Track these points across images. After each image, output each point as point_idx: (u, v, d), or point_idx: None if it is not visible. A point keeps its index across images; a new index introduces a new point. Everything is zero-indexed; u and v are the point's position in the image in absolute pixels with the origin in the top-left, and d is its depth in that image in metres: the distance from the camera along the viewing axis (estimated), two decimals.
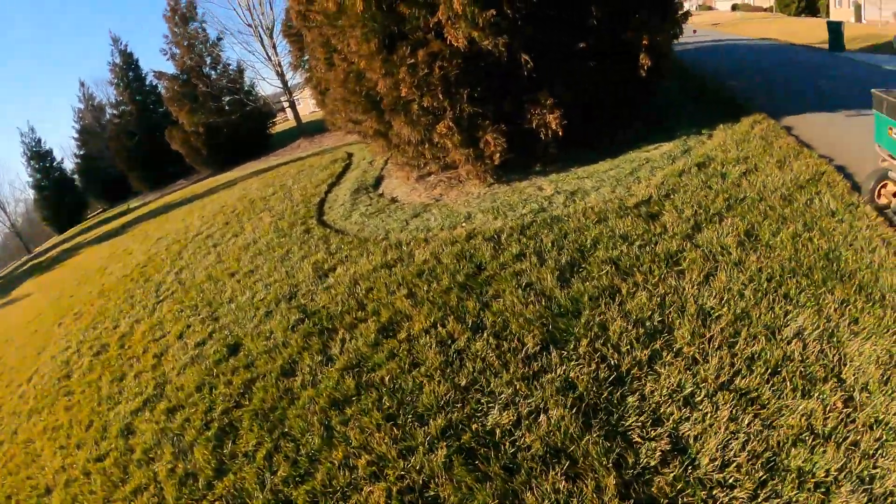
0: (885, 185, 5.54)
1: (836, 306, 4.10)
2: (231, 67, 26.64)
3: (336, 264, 7.31)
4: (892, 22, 44.58)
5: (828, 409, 3.25)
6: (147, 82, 35.56)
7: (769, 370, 3.61)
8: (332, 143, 20.22)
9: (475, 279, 5.69)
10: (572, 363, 4.08)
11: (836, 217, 5.46)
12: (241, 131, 26.16)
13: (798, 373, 3.54)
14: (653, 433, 3.33)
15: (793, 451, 3.02)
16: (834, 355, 3.65)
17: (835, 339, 3.81)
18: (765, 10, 52.08)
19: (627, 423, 3.46)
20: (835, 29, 24.03)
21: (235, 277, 8.09)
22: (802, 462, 2.95)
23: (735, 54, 21.26)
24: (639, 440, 3.32)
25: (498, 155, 8.22)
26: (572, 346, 4.27)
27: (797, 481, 2.87)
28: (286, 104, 26.94)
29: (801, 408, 3.27)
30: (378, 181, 11.61)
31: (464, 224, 7.51)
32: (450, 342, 4.73)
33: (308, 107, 46.40)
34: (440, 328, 4.93)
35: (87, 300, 11.18)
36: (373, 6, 7.51)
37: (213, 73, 26.06)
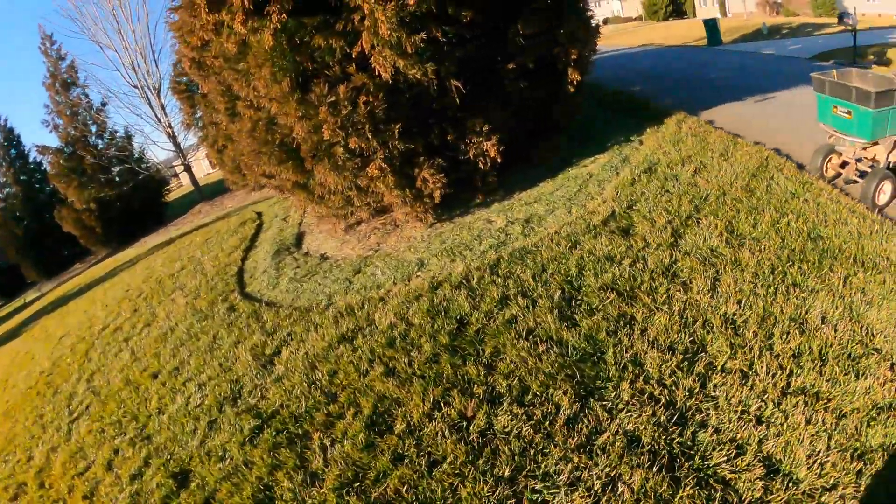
0: (830, 160, 6.35)
1: (842, 283, 4.33)
2: (119, 134, 24.76)
3: (279, 346, 6.22)
4: (756, 12, 48.04)
5: (881, 381, 3.36)
6: (31, 159, 32.63)
7: (816, 361, 3.63)
8: (236, 204, 18.90)
9: (462, 337, 4.91)
10: (623, 413, 3.57)
11: (799, 198, 5.84)
12: (136, 203, 24.25)
13: (842, 356, 3.63)
14: (742, 464, 3.06)
15: (870, 431, 3.08)
16: (861, 329, 3.82)
17: (855, 314, 3.99)
18: (634, 19, 54.71)
19: (713, 462, 3.12)
20: (711, 25, 25.67)
21: (159, 379, 6.80)
22: (883, 438, 3.03)
23: (629, 63, 21.86)
24: (732, 476, 3.02)
25: (438, 192, 7.60)
26: (613, 394, 3.76)
27: (886, 456, 2.94)
28: (181, 168, 25.28)
29: (859, 388, 3.34)
30: (299, 238, 10.64)
31: (419, 273, 6.75)
32: (465, 424, 3.85)
33: (202, 168, 44.42)
34: (446, 408, 4.03)
35: None
36: (283, 41, 6.63)
37: (99, 142, 24.07)
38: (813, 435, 3.09)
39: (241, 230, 13.20)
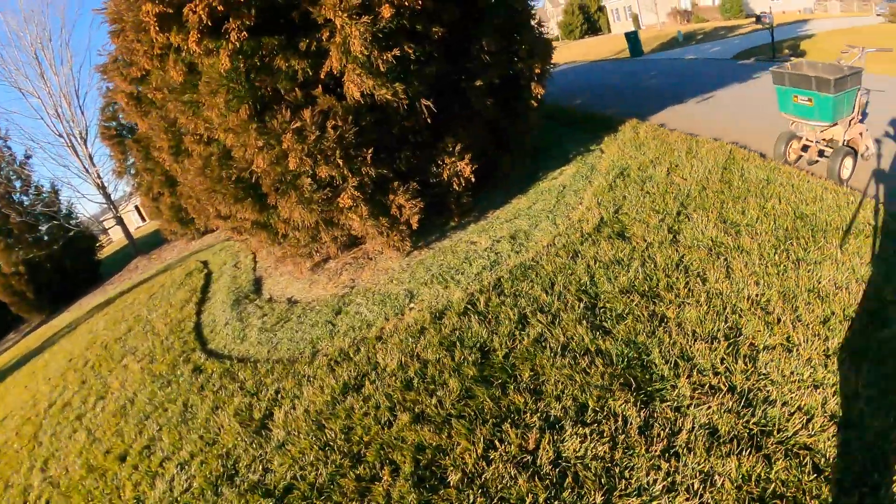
0: (791, 145, 6.92)
1: (838, 251, 4.66)
2: (45, 189, 23.27)
3: (269, 407, 5.52)
4: (668, 21, 50.05)
5: None
6: None
7: (844, 322, 3.82)
8: (176, 256, 17.88)
9: (491, 366, 4.54)
10: (691, 409, 3.47)
11: (773, 182, 6.28)
12: (67, 262, 22.73)
13: (863, 313, 3.88)
14: (816, 426, 3.15)
15: None
16: (870, 287, 4.10)
17: (860, 276, 4.28)
18: (552, 40, 56.18)
19: (790, 433, 3.18)
20: (633, 38, 26.69)
21: (129, 461, 5.97)
22: None
23: (563, 79, 22.16)
24: (811, 440, 3.12)
25: (416, 218, 7.27)
26: (674, 392, 3.66)
27: None
28: (111, 223, 23.95)
29: (887, 335, 3.59)
30: (257, 284, 10.03)
31: (412, 305, 6.32)
32: (530, 458, 3.45)
33: (132, 222, 42.46)
34: (502, 446, 3.60)
35: None
36: (240, 64, 6.08)
37: (24, 198, 22.53)
38: (865, 385, 3.26)
39: (189, 282, 12.41)
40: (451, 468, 3.59)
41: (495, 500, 3.25)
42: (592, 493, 3.06)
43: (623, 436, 3.39)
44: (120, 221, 22.55)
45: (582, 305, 4.89)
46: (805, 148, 6.87)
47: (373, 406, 4.64)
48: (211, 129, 7.19)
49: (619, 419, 3.51)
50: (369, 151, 6.46)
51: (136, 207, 46.14)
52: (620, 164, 7.96)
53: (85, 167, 21.63)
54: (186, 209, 16.25)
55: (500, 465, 3.46)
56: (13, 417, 10.65)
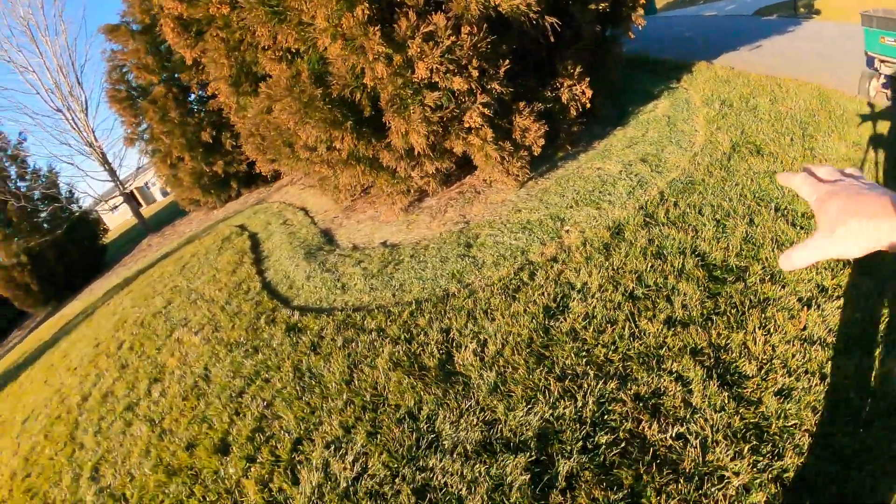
0: (872, 82, 6.97)
1: None
2: (42, 172, 21.19)
3: (441, 350, 4.17)
4: None
5: None
6: None
7: None
8: (197, 227, 15.89)
9: (715, 266, 4.12)
10: None
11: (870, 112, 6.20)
12: (72, 248, 20.81)
13: None
14: None
15: None
16: None
17: None
18: None
19: None
20: None
21: (235, 453, 4.26)
22: None
23: None
24: None
25: (541, 143, 6.37)
26: None
27: None
28: (118, 201, 21.86)
29: None
30: (327, 236, 8.21)
31: (567, 228, 5.46)
32: None
33: (128, 210, 39.95)
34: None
35: None
36: None
37: (22, 184, 20.49)
38: None
39: (230, 245, 10.48)
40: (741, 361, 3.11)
41: None
42: None
43: None
44: (128, 198, 20.57)
45: (771, 208, 4.59)
46: (886, 84, 6.94)
47: (601, 322, 3.89)
48: (303, 38, 5.78)
49: None
50: (505, 64, 5.69)
51: (132, 193, 44.15)
52: (717, 96, 7.64)
53: (88, 142, 19.56)
54: (210, 174, 14.39)
55: None
56: (37, 418, 8.76)
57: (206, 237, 12.67)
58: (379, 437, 3.66)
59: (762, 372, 2.94)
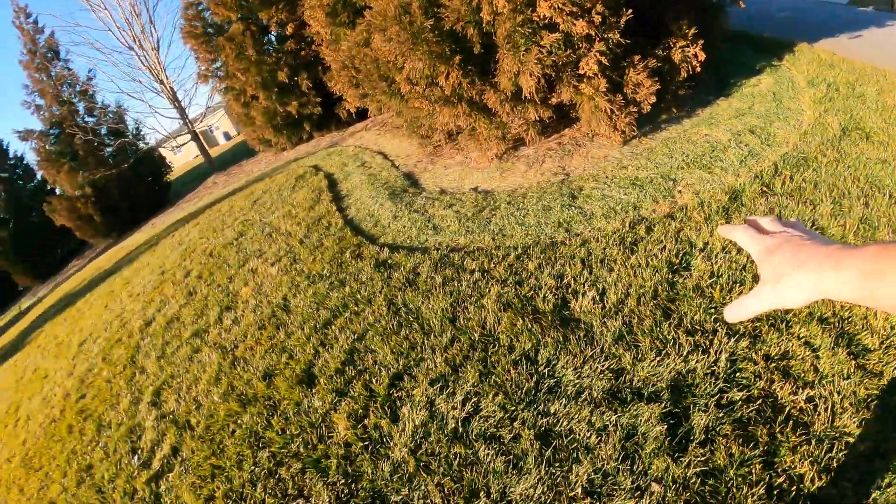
0: None
1: None
2: (110, 108, 21.34)
3: (555, 295, 3.83)
4: None
5: None
6: (11, 153, 29.06)
7: None
8: (265, 167, 15.60)
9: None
10: None
11: None
12: (136, 183, 20.98)
13: None
14: None
15: None
16: None
17: None
18: None
19: None
20: None
21: (322, 385, 3.88)
22: None
23: None
24: None
25: (652, 100, 5.90)
26: None
27: None
28: (186, 139, 21.82)
29: None
30: (410, 179, 7.74)
31: (679, 189, 5.02)
32: None
33: (191, 151, 40.46)
34: None
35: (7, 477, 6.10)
36: None
37: (89, 119, 20.68)
38: None
39: (304, 184, 10.10)
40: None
41: None
42: None
43: None
44: (195, 137, 20.56)
45: (885, 194, 4.20)
46: None
47: (727, 281, 3.56)
48: None
49: None
50: (626, 13, 5.30)
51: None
52: (822, 79, 7.01)
53: (158, 79, 19.52)
54: (283, 114, 14.06)
55: None
56: (95, 341, 8.60)
57: (278, 175, 12.35)
58: (492, 377, 3.22)
59: (883, 347, 2.81)
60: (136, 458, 4.33)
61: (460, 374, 3.36)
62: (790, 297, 0.65)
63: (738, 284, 3.47)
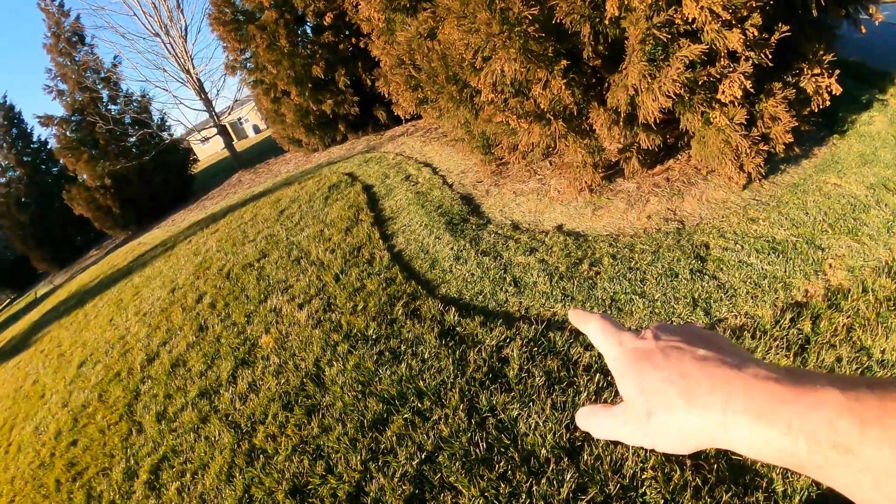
0: None
1: None
2: (134, 97, 20.34)
3: None
4: None
5: None
6: (35, 137, 28.41)
7: None
8: (294, 169, 14.37)
9: None
10: None
11: None
12: (157, 176, 19.97)
13: None
14: None
15: None
16: None
17: None
18: None
19: None
20: None
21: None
22: None
23: None
24: None
25: (786, 139, 4.59)
26: None
27: None
28: (210, 132, 20.75)
29: None
30: (470, 204, 6.43)
31: (829, 262, 3.80)
32: None
33: (219, 142, 39.56)
34: None
35: None
36: None
37: (113, 107, 19.69)
38: None
39: (339, 196, 8.82)
40: None
41: None
42: None
43: None
44: (222, 131, 19.43)
45: None
46: None
47: None
48: None
49: None
50: (782, 28, 4.11)
51: (225, 127, 43.58)
52: None
53: (185, 68, 18.44)
54: (317, 113, 12.83)
55: None
56: (94, 365, 7.61)
57: (308, 181, 11.08)
58: None
59: None
60: None
61: None
62: (665, 444, 0.44)
63: None
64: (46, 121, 19.50)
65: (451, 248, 5.19)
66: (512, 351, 3.41)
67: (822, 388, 0.36)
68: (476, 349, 3.57)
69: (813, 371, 0.37)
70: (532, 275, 4.33)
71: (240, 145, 36.05)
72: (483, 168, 6.68)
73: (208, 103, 18.71)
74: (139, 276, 11.68)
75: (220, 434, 4.12)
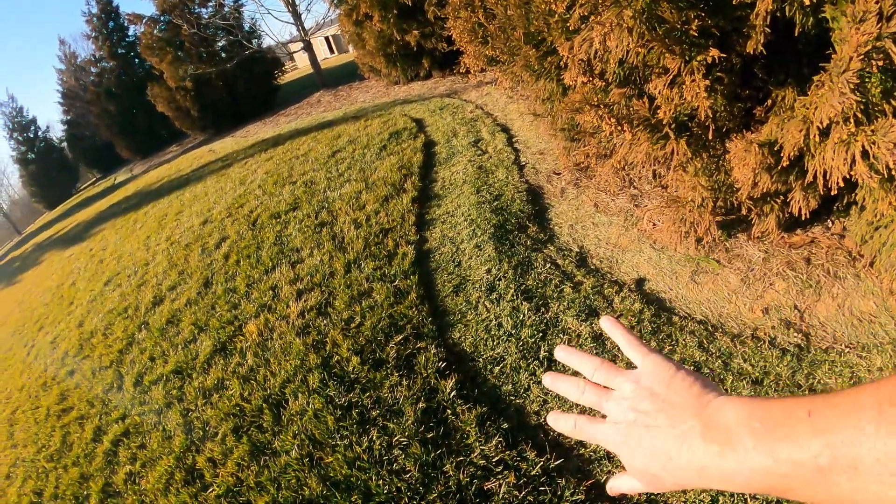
0: None
1: None
2: (226, 2, 19.67)
3: None
4: None
5: None
6: (130, 32, 28.79)
7: None
8: (370, 99, 13.32)
9: None
10: None
11: None
12: (240, 84, 19.46)
13: None
14: None
15: None
16: None
17: None
18: None
19: None
20: None
21: None
22: None
23: None
24: None
25: None
26: None
27: None
28: (297, 47, 19.84)
29: None
30: (536, 203, 5.17)
31: None
32: None
33: (320, 53, 39.03)
34: None
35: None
36: None
37: (203, 11, 19.09)
38: None
39: (395, 148, 7.70)
40: None
41: None
42: None
43: None
44: (308, 47, 18.54)
45: None
46: None
47: None
48: None
49: None
50: None
51: (327, 39, 42.97)
52: None
53: None
54: (400, 42, 11.62)
55: None
56: (115, 287, 7.56)
57: (375, 120, 10.04)
58: None
59: None
60: None
61: None
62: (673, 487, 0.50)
63: None
64: (135, 19, 19.24)
65: (488, 272, 4.06)
66: (500, 486, 2.34)
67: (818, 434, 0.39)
68: (458, 459, 2.52)
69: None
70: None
71: (337, 59, 35.19)
72: (565, 159, 5.40)
73: (297, 16, 17.81)
74: (190, 191, 11.28)
75: (174, 430, 3.57)
